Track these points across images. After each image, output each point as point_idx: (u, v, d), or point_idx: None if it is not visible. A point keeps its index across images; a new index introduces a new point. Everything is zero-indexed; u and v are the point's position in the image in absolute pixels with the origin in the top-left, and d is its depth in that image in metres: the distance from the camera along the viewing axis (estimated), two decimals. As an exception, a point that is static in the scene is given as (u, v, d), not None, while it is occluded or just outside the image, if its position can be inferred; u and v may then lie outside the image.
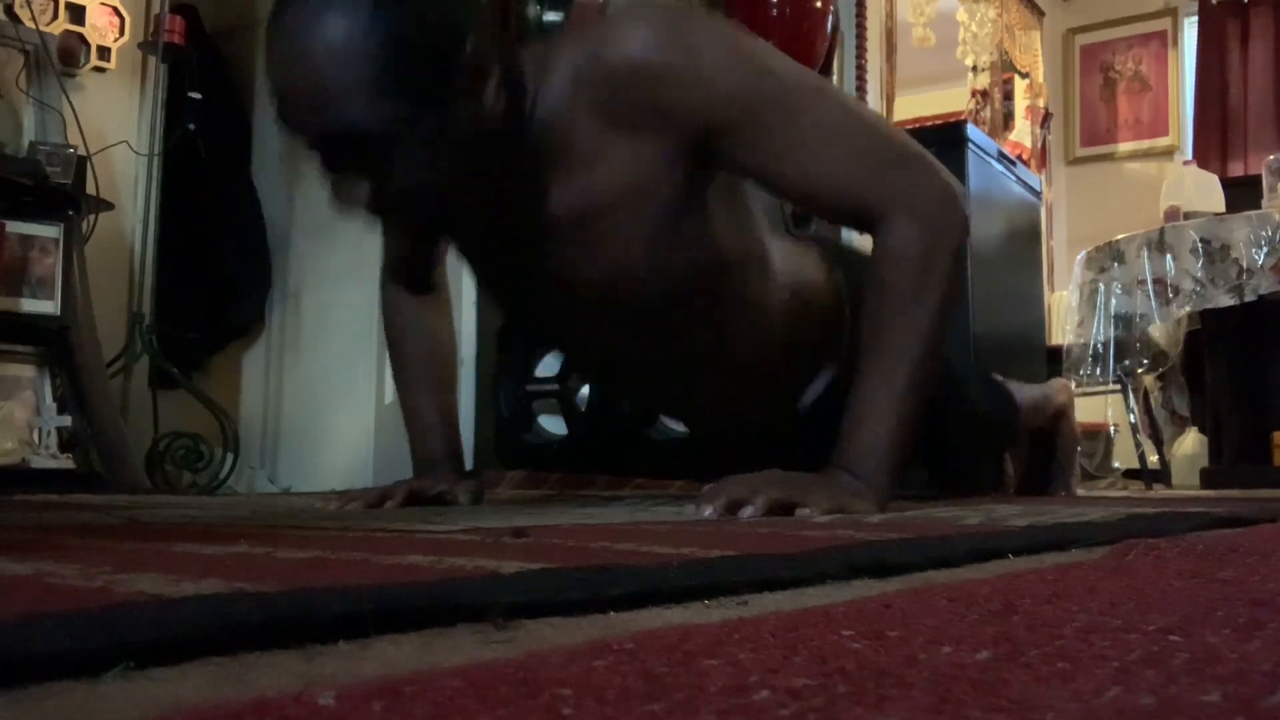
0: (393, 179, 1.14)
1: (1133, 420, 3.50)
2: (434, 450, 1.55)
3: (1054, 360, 3.47)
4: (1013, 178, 3.18)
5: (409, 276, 1.61)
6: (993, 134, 4.41)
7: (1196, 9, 5.23)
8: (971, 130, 2.88)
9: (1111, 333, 3.23)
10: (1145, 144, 5.37)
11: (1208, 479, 3.27)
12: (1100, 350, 3.27)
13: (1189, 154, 4.96)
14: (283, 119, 1.15)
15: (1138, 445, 3.52)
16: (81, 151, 2.91)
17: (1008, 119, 4.94)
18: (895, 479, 1.27)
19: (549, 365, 2.81)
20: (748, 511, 1.12)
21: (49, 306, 2.80)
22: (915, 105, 4.30)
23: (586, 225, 1.26)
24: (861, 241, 1.36)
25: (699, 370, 1.50)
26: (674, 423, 2.31)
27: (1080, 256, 3.52)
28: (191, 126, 3.29)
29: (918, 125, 3.44)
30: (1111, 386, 3.48)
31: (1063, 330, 3.63)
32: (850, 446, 1.26)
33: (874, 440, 1.25)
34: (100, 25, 3.37)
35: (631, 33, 1.20)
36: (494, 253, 1.41)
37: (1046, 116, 5.27)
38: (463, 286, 2.86)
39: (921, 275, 1.25)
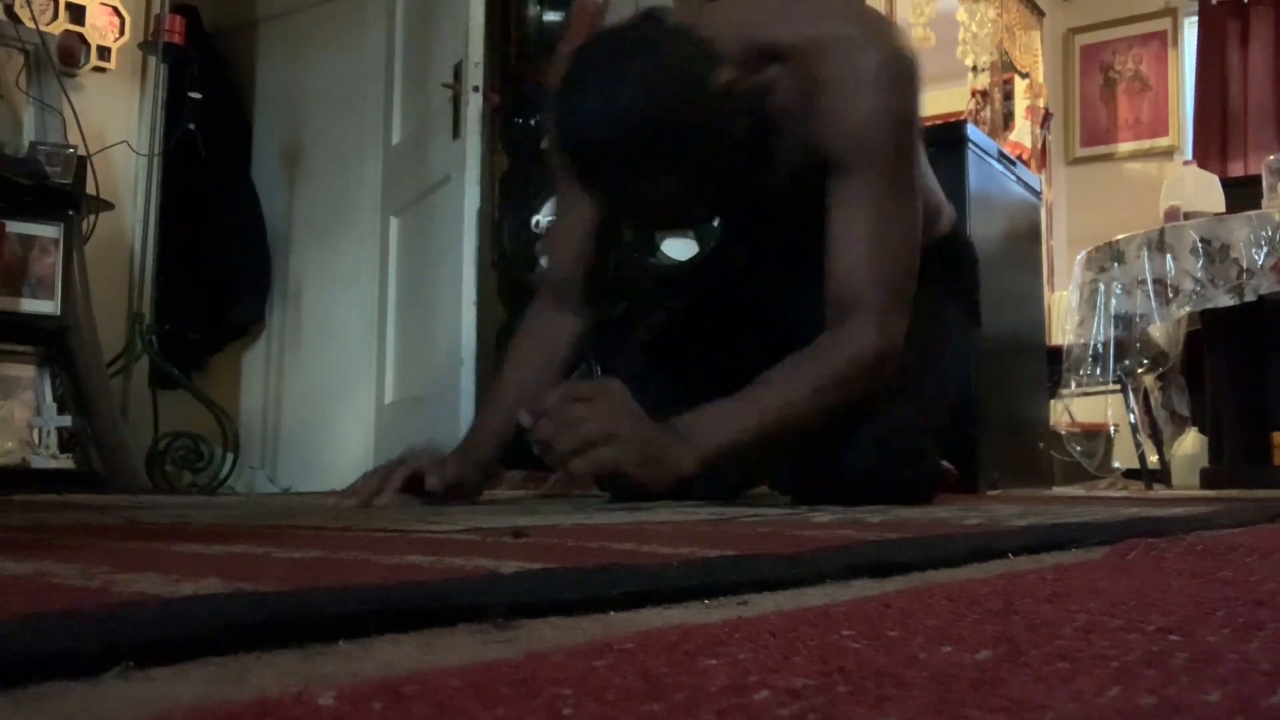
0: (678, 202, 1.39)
1: (1133, 420, 3.50)
2: (470, 443, 1.63)
3: (1054, 360, 3.47)
4: (1013, 178, 3.18)
5: (579, 288, 1.70)
6: (993, 134, 4.40)
7: (1196, 9, 5.22)
8: (971, 130, 2.88)
9: (1111, 333, 3.23)
10: (1145, 144, 5.37)
11: (1208, 479, 3.27)
12: (1100, 350, 3.27)
13: (1189, 154, 4.95)
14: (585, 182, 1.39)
15: (1138, 445, 3.52)
16: (81, 151, 2.91)
17: (1008, 119, 4.93)
18: (726, 463, 1.37)
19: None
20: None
21: (49, 306, 2.80)
22: (915, 105, 4.29)
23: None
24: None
25: None
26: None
27: (1080, 256, 3.52)
28: (191, 126, 3.29)
29: (918, 125, 3.43)
30: (1111, 386, 3.48)
31: (1063, 330, 3.63)
32: (707, 417, 1.36)
33: (735, 427, 1.35)
34: (100, 25, 3.37)
35: (850, 66, 1.41)
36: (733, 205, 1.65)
37: (1046, 116, 5.27)
38: (463, 288, 2.87)
39: (856, 375, 1.42)
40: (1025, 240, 3.32)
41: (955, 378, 1.83)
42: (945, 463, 1.98)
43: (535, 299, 1.77)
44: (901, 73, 1.45)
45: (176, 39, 3.20)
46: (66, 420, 2.79)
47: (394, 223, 3.42)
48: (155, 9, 3.38)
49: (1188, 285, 3.02)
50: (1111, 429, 4.17)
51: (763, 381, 1.39)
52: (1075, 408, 3.97)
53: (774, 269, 1.79)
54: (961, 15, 4.57)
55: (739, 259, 1.92)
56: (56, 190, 2.79)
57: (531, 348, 1.71)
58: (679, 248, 2.56)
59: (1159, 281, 3.08)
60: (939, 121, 3.45)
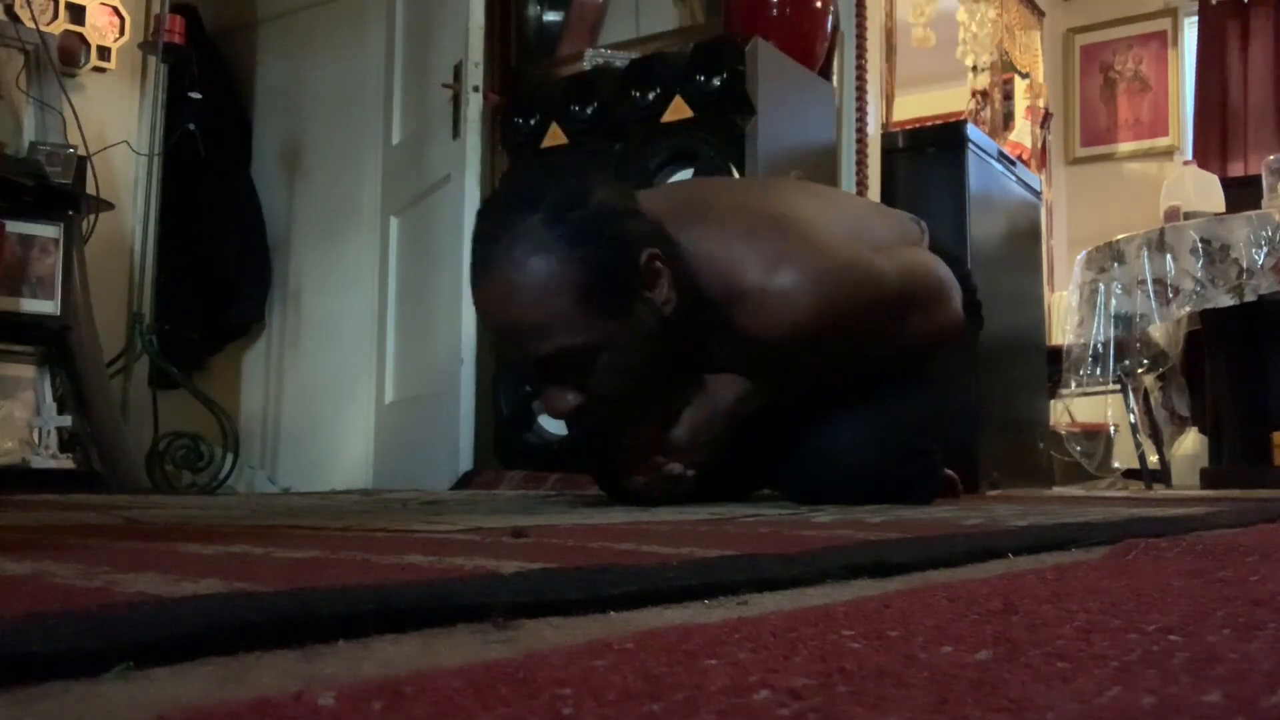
0: (598, 376, 1.41)
1: (1133, 420, 3.50)
2: None
3: (1054, 360, 3.47)
4: (1013, 178, 3.18)
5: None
6: (993, 134, 4.40)
7: (1196, 9, 5.22)
8: (971, 130, 2.88)
9: (1111, 333, 3.23)
10: (1145, 144, 5.37)
11: (1208, 479, 3.27)
12: (1100, 350, 3.27)
13: (1189, 154, 4.95)
14: (503, 351, 1.54)
15: (1138, 445, 3.52)
16: (81, 151, 2.90)
17: (1008, 119, 4.93)
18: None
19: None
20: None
21: (49, 306, 2.80)
22: (915, 105, 4.29)
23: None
24: None
25: None
26: None
27: (1080, 256, 3.52)
28: (191, 126, 3.28)
29: (918, 125, 3.43)
30: (1111, 386, 3.48)
31: (1063, 330, 3.62)
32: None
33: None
34: (100, 25, 3.37)
35: (780, 309, 1.44)
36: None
37: (1046, 116, 5.26)
38: (463, 288, 2.86)
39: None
40: (1025, 240, 3.32)
41: (956, 383, 1.87)
42: (949, 471, 1.98)
43: None
44: (810, 288, 1.47)
45: (176, 39, 3.20)
46: (66, 420, 2.79)
47: (394, 223, 3.42)
48: (155, 9, 3.38)
49: (1188, 285, 3.02)
50: (1111, 429, 4.16)
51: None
52: (1075, 408, 3.97)
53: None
54: (961, 15, 4.56)
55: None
56: (56, 190, 2.78)
57: None
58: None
59: (1159, 281, 3.08)
60: (939, 121, 3.46)
